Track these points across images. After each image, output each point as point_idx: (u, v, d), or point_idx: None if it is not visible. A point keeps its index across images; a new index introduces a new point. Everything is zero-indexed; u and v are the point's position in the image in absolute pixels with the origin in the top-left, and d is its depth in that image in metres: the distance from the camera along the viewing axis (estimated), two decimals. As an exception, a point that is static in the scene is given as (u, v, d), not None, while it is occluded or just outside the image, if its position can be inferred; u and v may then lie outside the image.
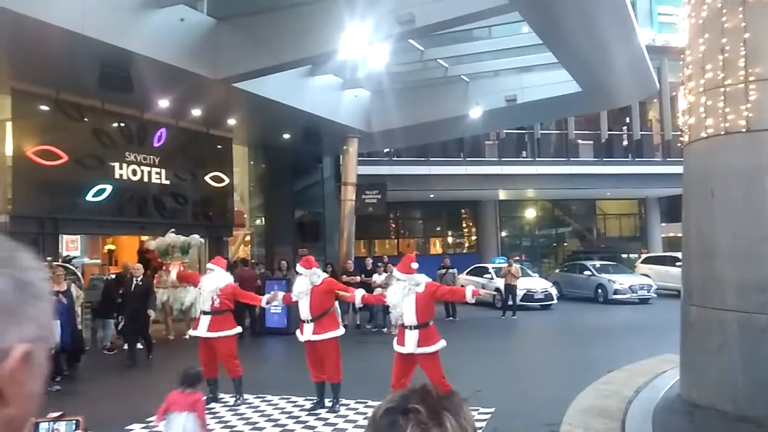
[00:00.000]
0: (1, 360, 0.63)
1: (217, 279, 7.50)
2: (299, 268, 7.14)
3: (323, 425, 6.43)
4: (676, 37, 20.75)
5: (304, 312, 6.99)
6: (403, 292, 6.16)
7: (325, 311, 7.05)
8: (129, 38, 9.26)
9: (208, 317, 7.35)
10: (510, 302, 16.07)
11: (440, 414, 0.84)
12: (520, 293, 17.34)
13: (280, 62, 10.61)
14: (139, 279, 10.52)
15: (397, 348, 6.25)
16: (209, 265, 7.81)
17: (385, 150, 20.94)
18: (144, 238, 14.89)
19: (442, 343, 6.19)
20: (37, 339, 0.67)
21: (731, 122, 5.90)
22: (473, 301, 6.54)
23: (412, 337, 6.10)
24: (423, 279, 6.29)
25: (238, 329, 7.74)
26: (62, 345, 8.96)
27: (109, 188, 13.04)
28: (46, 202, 11.82)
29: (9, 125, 11.36)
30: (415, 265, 6.29)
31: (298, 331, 7.20)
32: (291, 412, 6.94)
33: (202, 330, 7.33)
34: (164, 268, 12.47)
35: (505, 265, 16.93)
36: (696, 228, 6.46)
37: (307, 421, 6.57)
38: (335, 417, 6.70)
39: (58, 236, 12.62)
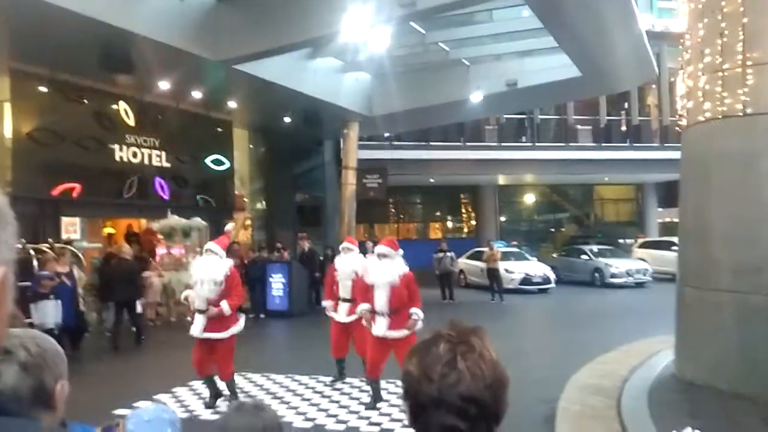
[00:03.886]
0: None
1: (215, 268, 6.29)
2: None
3: (328, 402, 6.58)
4: (675, 23, 20.69)
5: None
6: (384, 271, 6.03)
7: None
8: (129, 18, 9.24)
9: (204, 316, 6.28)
10: (496, 287, 16.00)
11: (468, 335, 1.02)
12: (518, 277, 17.53)
13: (281, 44, 10.60)
14: None
15: (373, 330, 6.16)
16: (210, 245, 6.49)
17: (386, 134, 20.96)
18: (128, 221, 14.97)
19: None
20: (9, 262, 0.72)
21: (729, 106, 5.98)
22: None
23: (383, 326, 6.07)
24: (404, 269, 6.16)
25: (240, 326, 6.52)
26: (65, 325, 9.10)
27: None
28: (46, 184, 11.85)
29: (8, 106, 11.37)
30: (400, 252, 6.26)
31: (331, 310, 7.24)
32: (295, 390, 7.09)
33: (197, 330, 6.28)
34: (167, 251, 12.61)
35: (486, 249, 17.02)
36: (693, 210, 6.57)
37: (311, 399, 6.72)
38: (339, 394, 6.86)
39: (59, 218, 12.68)
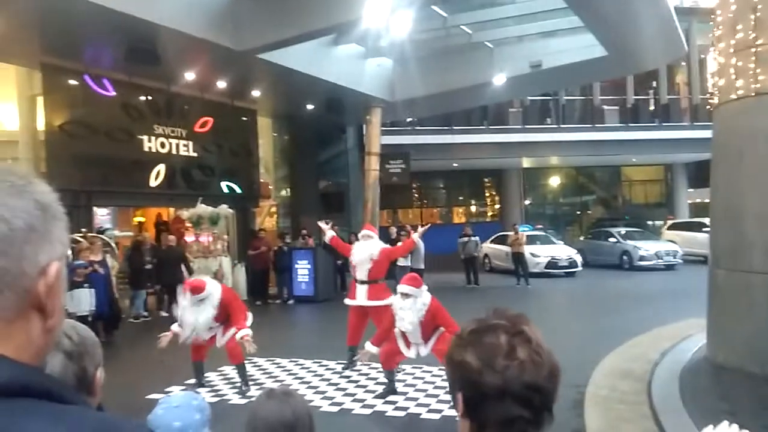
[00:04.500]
0: (39, 277, 0.71)
1: (207, 309, 6.26)
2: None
3: (355, 387, 6.65)
4: (705, -2, 20.14)
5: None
6: (410, 314, 5.81)
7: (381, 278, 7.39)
8: (154, 10, 9.34)
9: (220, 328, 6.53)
10: (521, 271, 15.89)
11: (521, 324, 1.05)
12: (544, 261, 17.41)
13: (303, 32, 10.60)
14: None
15: (405, 353, 6.14)
16: (196, 297, 6.23)
17: (408, 119, 20.87)
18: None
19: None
20: (62, 257, 0.75)
21: (762, 83, 5.82)
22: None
23: (421, 350, 6.10)
24: (427, 299, 5.91)
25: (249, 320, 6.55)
26: (99, 313, 9.34)
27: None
28: (79, 175, 12.09)
29: (41, 100, 11.60)
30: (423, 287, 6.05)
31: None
32: (322, 375, 7.17)
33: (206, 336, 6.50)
34: (196, 237, 12.82)
35: (511, 233, 16.93)
36: (725, 190, 6.43)
37: (339, 383, 6.79)
38: (366, 379, 6.92)
39: (92, 209, 12.95)
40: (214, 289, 6.34)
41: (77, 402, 0.72)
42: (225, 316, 6.44)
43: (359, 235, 7.72)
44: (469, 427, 1.03)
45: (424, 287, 5.99)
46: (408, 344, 6.09)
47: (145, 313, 12.01)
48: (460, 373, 1.03)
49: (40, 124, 11.74)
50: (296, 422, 1.71)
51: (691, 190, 26.66)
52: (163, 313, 12.01)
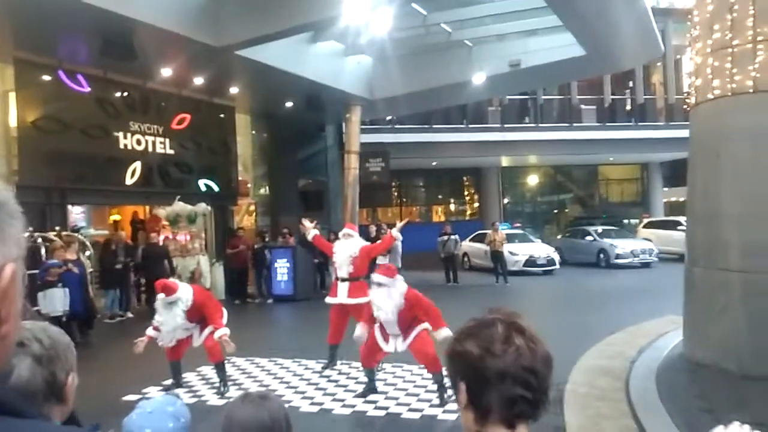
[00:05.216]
0: None
1: (179, 311, 6.24)
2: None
3: (335, 386, 6.60)
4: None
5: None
6: (386, 303, 5.81)
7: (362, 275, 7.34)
8: (131, 5, 9.17)
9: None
10: (500, 269, 15.89)
11: (516, 317, 1.17)
12: (522, 259, 17.51)
13: (282, 28, 10.50)
14: None
15: (384, 347, 6.17)
16: (165, 300, 6.25)
17: (388, 118, 20.84)
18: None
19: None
20: (18, 258, 0.70)
21: (738, 83, 5.89)
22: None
23: (399, 343, 6.09)
24: (403, 288, 5.91)
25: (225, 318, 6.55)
26: (74, 313, 9.14)
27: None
28: (53, 173, 11.83)
29: (13, 96, 11.33)
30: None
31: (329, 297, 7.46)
32: (302, 375, 7.11)
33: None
34: (173, 236, 12.63)
35: (490, 231, 16.98)
36: (701, 190, 6.50)
37: (318, 383, 6.74)
38: (346, 379, 6.87)
39: (66, 207, 12.68)
40: (184, 294, 6.24)
41: (34, 415, 0.68)
42: (200, 317, 6.38)
43: (340, 234, 7.68)
44: (473, 418, 1.10)
45: (399, 277, 6.01)
46: (386, 337, 6.07)
47: (121, 313, 11.80)
48: (461, 362, 1.12)
49: (12, 121, 11.45)
50: (273, 426, 1.67)
51: (666, 189, 27.07)
52: (130, 314, 11.79)
